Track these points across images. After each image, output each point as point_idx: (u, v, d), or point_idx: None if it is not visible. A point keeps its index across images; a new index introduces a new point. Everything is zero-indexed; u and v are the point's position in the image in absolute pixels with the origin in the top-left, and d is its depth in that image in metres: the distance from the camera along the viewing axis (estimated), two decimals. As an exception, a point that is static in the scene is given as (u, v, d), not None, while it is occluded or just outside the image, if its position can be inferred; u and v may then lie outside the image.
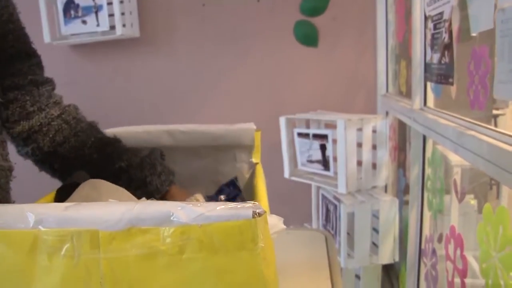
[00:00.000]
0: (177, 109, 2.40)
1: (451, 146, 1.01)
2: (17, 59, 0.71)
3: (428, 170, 1.34)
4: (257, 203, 0.34)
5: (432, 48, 1.21)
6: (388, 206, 1.73)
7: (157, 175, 0.76)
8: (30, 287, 0.34)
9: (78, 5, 2.23)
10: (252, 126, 0.88)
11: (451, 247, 1.05)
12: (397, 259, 1.77)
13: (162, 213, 0.33)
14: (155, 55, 2.38)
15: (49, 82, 0.78)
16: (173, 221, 0.33)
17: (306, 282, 0.77)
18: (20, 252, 0.34)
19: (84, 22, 2.24)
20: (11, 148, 0.69)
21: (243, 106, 2.33)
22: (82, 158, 0.74)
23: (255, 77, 2.30)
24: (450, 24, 1.04)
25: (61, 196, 0.67)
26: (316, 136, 1.88)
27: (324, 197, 1.98)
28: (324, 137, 1.84)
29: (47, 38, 2.25)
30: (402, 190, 1.89)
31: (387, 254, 1.76)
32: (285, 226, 0.47)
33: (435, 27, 1.17)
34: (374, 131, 1.80)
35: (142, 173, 0.75)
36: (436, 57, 1.17)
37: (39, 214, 0.34)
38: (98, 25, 2.22)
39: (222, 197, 0.82)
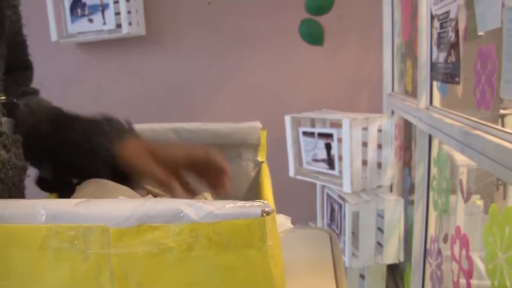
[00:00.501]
0: (183, 107, 2.41)
1: (457, 146, 1.01)
2: (15, 69, 0.72)
3: (433, 170, 1.34)
4: (265, 201, 0.34)
5: (438, 47, 1.21)
6: (393, 206, 1.72)
7: (103, 135, 0.66)
8: (41, 281, 0.35)
9: (84, 4, 2.24)
10: (258, 124, 0.89)
11: (456, 248, 1.05)
12: (402, 259, 1.77)
13: (171, 211, 0.34)
14: (160, 53, 2.38)
15: (35, 92, 0.79)
16: (182, 219, 0.33)
17: (310, 281, 0.77)
18: (31, 247, 0.35)
19: (90, 20, 2.25)
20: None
21: (248, 104, 2.34)
22: (38, 135, 0.68)
23: (261, 76, 2.30)
24: (456, 23, 1.04)
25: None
26: (321, 135, 1.88)
27: (329, 196, 1.98)
28: (329, 136, 1.84)
29: (54, 36, 2.26)
30: (407, 190, 1.89)
31: (392, 254, 1.76)
32: (292, 226, 0.47)
33: (441, 26, 1.17)
34: (379, 131, 1.80)
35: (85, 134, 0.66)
36: (442, 56, 1.17)
37: (50, 210, 0.35)
38: (104, 23, 2.23)
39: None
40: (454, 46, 1.06)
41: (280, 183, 2.00)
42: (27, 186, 0.64)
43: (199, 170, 0.67)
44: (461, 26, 1.03)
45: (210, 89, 2.37)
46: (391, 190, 1.97)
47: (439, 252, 1.26)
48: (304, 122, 1.98)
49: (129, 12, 2.19)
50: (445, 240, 1.23)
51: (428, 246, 1.39)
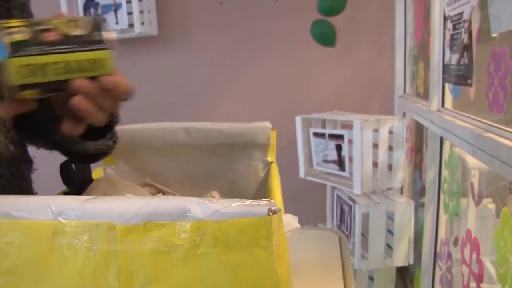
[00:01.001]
0: (194, 107, 2.42)
1: (469, 149, 1.00)
2: None
3: (444, 173, 1.32)
4: (272, 200, 0.34)
5: (451, 49, 1.20)
6: (404, 208, 1.71)
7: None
8: (48, 277, 0.35)
9: (97, 3, 2.26)
10: (268, 124, 0.88)
11: (467, 251, 1.04)
12: (411, 261, 1.76)
13: (178, 209, 0.34)
14: (172, 53, 2.39)
15: None
16: (189, 217, 0.34)
17: (318, 282, 0.77)
18: (40, 243, 0.35)
19: (103, 20, 2.27)
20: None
21: (259, 104, 2.34)
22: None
23: (272, 76, 2.30)
24: (470, 25, 1.03)
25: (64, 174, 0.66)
26: (332, 136, 1.88)
27: (339, 197, 1.97)
28: (340, 137, 1.84)
29: (67, 35, 2.28)
30: (418, 192, 1.87)
31: (402, 256, 1.75)
32: (299, 225, 0.47)
33: (454, 28, 1.16)
34: (390, 132, 1.79)
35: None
36: (455, 58, 1.16)
37: (59, 206, 0.35)
38: (117, 23, 2.24)
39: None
40: (467, 47, 1.06)
41: (290, 184, 1.99)
42: (34, 180, 0.65)
43: None
44: (475, 27, 1.02)
45: (221, 89, 2.38)
46: (401, 193, 1.96)
47: (449, 255, 1.25)
48: (315, 123, 1.97)
49: (141, 12, 2.20)
50: (455, 243, 1.22)
51: (438, 249, 1.38)
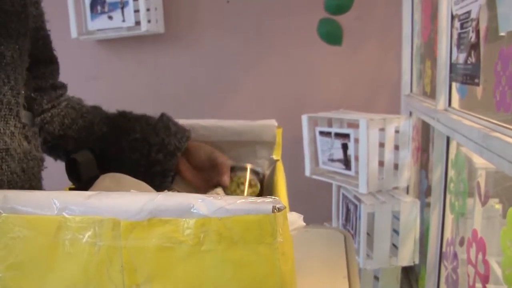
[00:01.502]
0: (200, 105, 2.42)
1: (476, 148, 0.99)
2: (42, 63, 0.76)
3: (451, 172, 1.32)
4: (277, 198, 0.34)
5: (458, 48, 1.19)
6: (409, 208, 1.71)
7: (173, 135, 0.79)
8: (53, 271, 0.35)
9: (104, 1, 2.26)
10: (273, 122, 0.88)
11: (473, 251, 1.03)
12: (417, 261, 1.75)
13: (182, 205, 0.34)
14: (179, 51, 2.39)
15: (64, 87, 0.83)
16: (193, 213, 0.33)
17: (323, 280, 0.77)
18: (44, 238, 0.35)
19: (110, 17, 2.27)
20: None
21: (265, 102, 2.33)
22: (93, 135, 0.78)
23: (278, 74, 2.30)
24: (477, 23, 1.02)
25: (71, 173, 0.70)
26: (338, 135, 1.87)
27: (344, 196, 1.96)
28: (346, 136, 1.83)
29: (74, 33, 2.29)
30: (424, 192, 1.87)
31: (407, 256, 1.74)
32: (304, 223, 0.47)
33: (462, 26, 1.15)
34: (397, 132, 1.78)
35: (158, 137, 0.78)
36: (462, 57, 1.15)
37: (63, 202, 0.35)
38: (123, 20, 2.25)
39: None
40: (475, 46, 1.05)
41: (296, 182, 1.99)
42: (43, 177, 0.66)
43: (211, 167, 0.83)
44: (482, 26, 1.01)
45: (227, 87, 2.38)
46: (407, 192, 1.95)
47: (455, 255, 1.24)
48: (321, 122, 1.97)
49: (148, 10, 2.21)
50: (461, 243, 1.21)
51: (444, 249, 1.37)
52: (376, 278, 1.87)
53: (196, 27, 2.35)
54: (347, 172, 1.88)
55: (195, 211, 0.33)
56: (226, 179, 0.79)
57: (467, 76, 1.11)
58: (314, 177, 2.01)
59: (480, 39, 1.02)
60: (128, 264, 0.34)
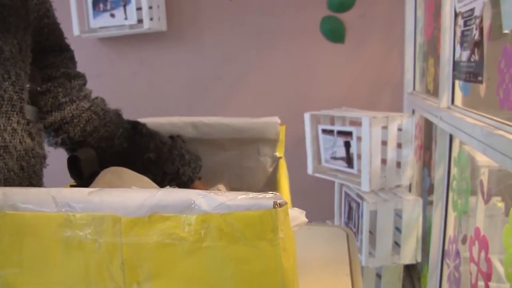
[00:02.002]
0: (203, 103, 2.42)
1: (479, 146, 0.99)
2: (51, 52, 0.74)
3: (453, 170, 1.31)
4: (278, 193, 0.34)
5: (461, 46, 1.19)
6: (412, 206, 1.70)
7: (187, 165, 0.79)
8: (54, 268, 0.35)
9: (107, -2, 2.26)
10: (276, 120, 0.88)
11: (475, 249, 1.03)
12: (419, 259, 1.75)
13: (183, 201, 0.34)
14: (181, 49, 2.39)
15: (81, 77, 0.80)
16: (194, 209, 0.33)
17: (325, 278, 0.77)
18: (44, 235, 0.35)
19: (112, 15, 2.27)
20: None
21: (268, 100, 2.33)
22: (112, 149, 0.76)
23: (281, 72, 2.30)
24: (481, 21, 1.02)
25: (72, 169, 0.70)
26: (340, 133, 1.87)
27: (347, 194, 1.96)
28: (348, 134, 1.83)
29: (76, 31, 2.29)
30: (426, 190, 1.86)
31: (409, 254, 1.74)
32: (306, 219, 0.46)
33: (465, 24, 1.14)
34: (399, 130, 1.78)
35: (174, 166, 0.78)
36: (465, 54, 1.14)
37: (64, 199, 0.35)
38: (126, 18, 2.24)
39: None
40: (478, 44, 1.04)
41: (299, 180, 1.99)
42: (45, 175, 0.65)
43: None
44: (486, 24, 1.01)
45: (230, 85, 2.38)
46: (410, 190, 1.95)
47: (458, 253, 1.24)
48: (324, 119, 1.97)
49: (150, 8, 2.20)
50: (463, 241, 1.21)
51: (446, 247, 1.37)
52: (379, 276, 1.87)
53: (199, 25, 2.34)
54: (349, 170, 1.87)
55: (196, 207, 0.33)
56: None
57: (470, 74, 1.11)
58: (317, 175, 2.01)
59: (483, 37, 1.01)
60: (129, 261, 0.34)
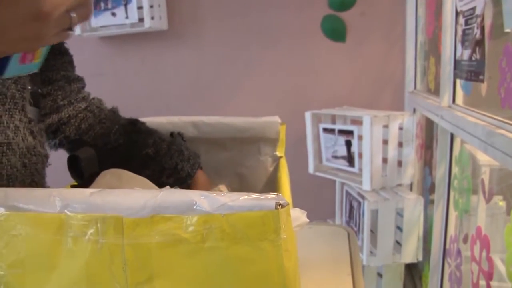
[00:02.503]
0: (204, 102, 2.42)
1: (480, 145, 0.99)
2: (51, 55, 0.74)
3: (455, 169, 1.31)
4: (280, 194, 0.34)
5: (462, 44, 1.19)
6: (413, 205, 1.70)
7: (186, 161, 0.79)
8: (55, 269, 0.35)
9: (108, -3, 2.26)
10: (277, 119, 0.88)
11: (476, 248, 1.03)
12: (420, 258, 1.75)
13: (185, 202, 0.34)
14: (182, 47, 2.39)
15: (80, 80, 0.81)
16: (196, 210, 0.33)
17: (327, 277, 0.77)
18: (46, 235, 0.35)
19: (113, 14, 2.27)
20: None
21: (269, 99, 2.33)
22: (108, 145, 0.76)
23: (282, 71, 2.30)
24: (482, 20, 1.02)
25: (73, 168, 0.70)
26: (341, 132, 1.87)
27: (348, 193, 1.96)
28: (349, 133, 1.83)
29: (77, 30, 2.29)
30: (427, 189, 1.86)
31: (411, 253, 1.74)
32: (308, 220, 0.46)
33: (466, 23, 1.14)
34: (400, 128, 1.78)
35: (172, 160, 0.77)
36: (466, 53, 1.14)
37: (65, 199, 0.35)
38: (127, 17, 2.24)
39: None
40: (479, 43, 1.04)
41: (300, 179, 1.99)
42: (48, 174, 0.65)
43: None
44: (487, 22, 1.00)
45: (231, 84, 2.38)
46: (411, 189, 1.95)
47: (459, 252, 1.24)
48: (325, 118, 1.97)
49: (151, 6, 2.20)
50: (465, 240, 1.21)
51: (447, 246, 1.37)
52: (380, 275, 1.87)
53: (200, 23, 2.34)
54: (350, 169, 1.87)
55: (198, 208, 0.33)
56: None
57: (471, 72, 1.11)
58: (318, 174, 2.01)
59: (485, 36, 1.01)
60: (131, 262, 0.34)
